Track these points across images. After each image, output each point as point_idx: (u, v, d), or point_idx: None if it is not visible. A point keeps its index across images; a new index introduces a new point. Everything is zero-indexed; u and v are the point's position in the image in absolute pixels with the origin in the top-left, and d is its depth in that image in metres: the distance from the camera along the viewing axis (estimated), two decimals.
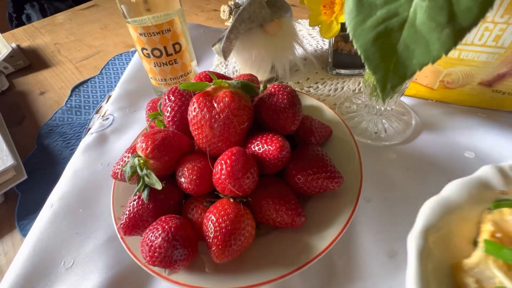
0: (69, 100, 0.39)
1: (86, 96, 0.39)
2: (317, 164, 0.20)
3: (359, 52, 0.10)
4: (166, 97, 0.22)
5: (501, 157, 0.24)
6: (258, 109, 0.21)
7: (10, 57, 0.47)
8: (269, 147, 0.19)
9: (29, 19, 0.90)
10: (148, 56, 0.29)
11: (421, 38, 0.09)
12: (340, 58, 0.34)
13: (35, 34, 0.60)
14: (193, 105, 0.19)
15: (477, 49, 0.25)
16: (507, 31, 0.23)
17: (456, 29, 0.09)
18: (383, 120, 0.28)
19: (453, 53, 0.26)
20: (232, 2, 0.29)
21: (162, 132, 0.20)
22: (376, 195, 0.23)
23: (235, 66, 0.37)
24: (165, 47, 0.29)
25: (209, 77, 0.25)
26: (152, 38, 0.28)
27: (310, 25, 0.29)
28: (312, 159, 0.20)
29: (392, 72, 0.10)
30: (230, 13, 0.29)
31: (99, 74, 0.43)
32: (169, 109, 0.22)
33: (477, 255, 0.16)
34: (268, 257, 0.18)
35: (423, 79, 0.29)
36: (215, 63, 0.40)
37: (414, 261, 0.15)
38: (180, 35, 0.29)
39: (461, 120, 0.27)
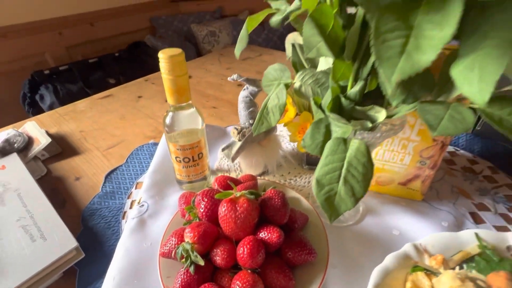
0: (104, 187, 0.49)
1: (117, 183, 0.50)
2: (300, 244, 0.32)
3: (320, 205, 0.23)
4: (200, 197, 0.34)
5: (415, 234, 0.38)
6: (262, 207, 0.34)
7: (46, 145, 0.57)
8: (272, 235, 0.31)
9: (42, 99, 1.02)
10: (179, 161, 0.42)
11: (343, 200, 0.23)
12: (311, 158, 0.48)
13: (60, 120, 0.71)
14: (223, 207, 0.31)
15: (392, 165, 0.40)
16: (406, 156, 0.39)
17: (355, 198, 0.22)
18: None
19: (381, 165, 0.41)
20: (238, 127, 0.44)
21: (202, 225, 0.32)
22: (340, 262, 0.35)
23: (237, 163, 0.50)
24: (192, 156, 0.42)
25: (226, 181, 0.37)
26: (185, 151, 0.41)
27: (290, 140, 0.44)
28: (297, 241, 0.32)
29: (334, 215, 0.23)
30: (239, 133, 0.43)
31: (125, 163, 0.54)
32: (203, 206, 0.34)
33: None
34: None
35: None
36: (219, 157, 0.53)
37: None
38: (203, 147, 0.43)
39: (390, 206, 0.41)
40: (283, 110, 0.31)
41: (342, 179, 0.23)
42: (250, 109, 0.43)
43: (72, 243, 0.36)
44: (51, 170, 0.54)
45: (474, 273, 0.28)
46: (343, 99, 0.27)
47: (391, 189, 0.43)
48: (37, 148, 0.56)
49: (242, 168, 0.47)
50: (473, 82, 0.18)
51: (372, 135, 0.28)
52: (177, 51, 0.35)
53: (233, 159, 0.43)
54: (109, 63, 1.19)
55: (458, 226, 0.38)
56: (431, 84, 0.24)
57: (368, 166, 0.22)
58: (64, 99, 0.99)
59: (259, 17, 0.28)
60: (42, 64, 1.27)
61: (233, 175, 0.49)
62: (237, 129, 0.44)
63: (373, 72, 0.23)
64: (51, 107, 0.98)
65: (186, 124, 0.40)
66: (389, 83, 0.14)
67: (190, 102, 0.39)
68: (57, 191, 0.49)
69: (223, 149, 0.47)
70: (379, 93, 0.23)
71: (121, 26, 1.53)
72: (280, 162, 0.49)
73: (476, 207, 0.41)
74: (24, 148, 0.56)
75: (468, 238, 0.32)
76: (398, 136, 0.37)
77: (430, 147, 0.37)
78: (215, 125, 0.62)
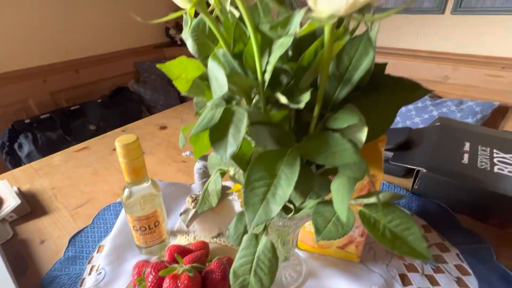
0: (66, 251, 0.51)
1: (80, 247, 0.52)
2: None
3: None
4: (149, 270, 0.38)
5: None
6: (204, 280, 0.37)
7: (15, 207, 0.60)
8: None
9: (20, 147, 1.05)
10: (136, 229, 0.46)
11: (253, 287, 0.27)
12: None
13: (34, 176, 0.74)
14: (166, 282, 0.35)
15: None
16: None
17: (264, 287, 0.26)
18: (285, 271, 0.45)
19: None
20: (194, 195, 0.48)
21: None
22: None
23: (193, 226, 0.54)
24: (149, 225, 0.45)
25: (176, 252, 0.41)
26: (141, 222, 0.45)
27: (241, 206, 0.49)
28: None
29: None
30: (193, 201, 0.48)
31: (91, 224, 0.57)
32: (150, 280, 0.37)
33: None
34: None
35: (308, 241, 0.48)
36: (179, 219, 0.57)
37: None
38: (159, 216, 0.47)
39: (330, 269, 0.45)
40: (219, 194, 0.36)
41: (252, 271, 0.27)
42: (203, 180, 0.48)
43: None
44: (17, 232, 0.56)
45: None
46: None
47: (332, 252, 0.47)
48: (5, 210, 0.58)
49: (197, 232, 0.51)
50: (338, 201, 0.24)
51: (291, 222, 0.33)
52: (132, 138, 0.40)
53: (187, 226, 0.47)
54: (91, 110, 1.24)
55: None
56: (328, 186, 0.29)
57: (273, 261, 0.27)
58: (42, 147, 1.02)
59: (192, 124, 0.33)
60: (25, 110, 1.31)
61: (191, 236, 0.52)
62: (192, 197, 0.48)
63: None
64: (28, 156, 1.01)
65: (141, 197, 0.44)
66: (248, 225, 0.19)
67: (146, 177, 0.44)
68: (20, 257, 0.51)
69: (180, 214, 0.50)
70: None
71: (106, 71, 1.61)
72: None
73: (406, 268, 0.46)
74: None
75: None
76: None
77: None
78: (180, 183, 0.66)
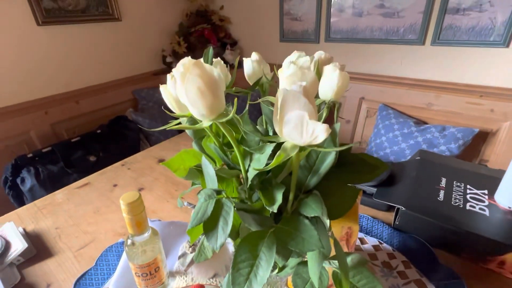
0: None
1: None
2: None
3: None
4: None
5: None
6: None
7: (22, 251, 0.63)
8: None
9: (23, 182, 1.08)
10: (138, 276, 0.50)
11: None
12: None
13: (38, 215, 0.78)
14: None
15: None
16: None
17: None
18: None
19: None
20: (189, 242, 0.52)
21: None
22: None
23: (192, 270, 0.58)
24: (150, 271, 0.49)
25: None
26: (143, 269, 0.49)
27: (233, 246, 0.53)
28: None
29: None
30: (190, 247, 0.52)
31: (94, 266, 0.61)
32: None
33: None
34: None
35: None
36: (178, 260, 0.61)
37: None
38: (159, 262, 0.51)
39: None
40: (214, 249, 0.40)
41: None
42: None
43: None
44: (24, 276, 0.60)
45: None
46: None
47: None
48: (13, 254, 0.61)
49: (195, 273, 0.55)
50: (312, 268, 0.28)
51: (276, 277, 0.37)
52: (134, 196, 0.45)
53: (185, 270, 0.51)
54: (90, 141, 1.29)
55: None
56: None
57: None
58: (44, 181, 1.06)
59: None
60: (26, 142, 1.35)
61: (188, 277, 0.56)
62: (188, 242, 0.53)
63: None
64: (31, 190, 1.04)
65: (143, 245, 0.48)
66: None
67: (147, 228, 0.48)
68: None
69: (179, 257, 0.55)
70: None
71: (105, 100, 1.67)
72: (229, 265, 0.57)
73: None
74: (1, 254, 0.62)
75: None
76: None
77: None
78: (179, 221, 0.71)
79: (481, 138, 1.23)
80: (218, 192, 0.28)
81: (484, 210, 0.60)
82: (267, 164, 0.27)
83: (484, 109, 1.21)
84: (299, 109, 0.19)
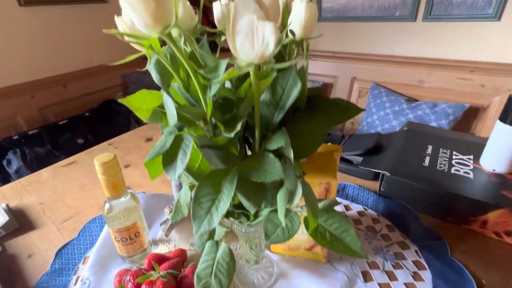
0: (53, 263, 0.54)
1: (66, 259, 0.55)
2: None
3: None
4: (129, 278, 0.41)
5: None
6: (180, 283, 0.41)
7: (4, 223, 0.62)
8: None
9: (9, 164, 1.07)
10: (117, 240, 0.49)
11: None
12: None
13: (22, 192, 0.77)
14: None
15: (296, 236, 0.48)
16: (304, 229, 0.47)
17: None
18: (257, 273, 0.49)
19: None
20: (171, 206, 0.52)
21: None
22: None
23: (174, 237, 0.57)
24: (129, 236, 0.49)
25: (155, 259, 0.44)
26: (122, 233, 0.48)
27: None
28: None
29: None
30: (171, 212, 0.51)
31: (77, 237, 0.60)
32: (129, 287, 0.40)
33: None
34: None
35: (279, 245, 0.51)
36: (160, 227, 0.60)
37: None
38: (139, 227, 0.50)
39: (299, 270, 0.49)
40: (189, 206, 0.39)
41: (213, 274, 0.31)
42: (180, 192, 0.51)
43: None
44: (6, 248, 0.59)
45: None
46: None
47: (301, 253, 0.51)
48: None
49: (176, 240, 0.54)
50: (279, 209, 0.28)
51: (251, 228, 0.36)
52: (109, 157, 0.44)
53: (166, 235, 0.51)
54: (79, 124, 1.27)
55: (350, 286, 0.46)
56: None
57: (231, 264, 0.31)
58: (31, 163, 1.04)
59: None
60: (13, 126, 1.33)
61: (171, 244, 0.56)
62: (170, 208, 0.52)
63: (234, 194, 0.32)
64: (17, 172, 1.03)
65: (121, 210, 0.47)
66: (196, 235, 0.23)
67: (125, 192, 0.47)
68: (9, 271, 0.54)
69: (161, 224, 0.54)
70: None
71: (93, 85, 1.64)
72: None
73: (369, 265, 0.50)
74: None
75: None
76: None
77: None
78: (163, 194, 0.70)
79: (472, 113, 1.23)
80: (180, 128, 0.27)
81: (468, 173, 0.60)
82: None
83: (475, 84, 1.20)
84: (250, 14, 0.18)
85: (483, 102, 1.22)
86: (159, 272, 0.40)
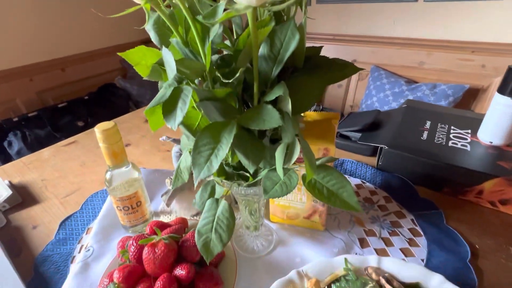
0: (57, 234, 0.55)
1: (70, 229, 0.56)
2: (209, 277, 0.40)
3: (199, 249, 0.32)
4: (132, 243, 0.42)
5: (311, 260, 0.46)
6: (180, 248, 0.42)
7: (7, 197, 0.63)
8: (183, 272, 0.39)
9: (10, 145, 1.07)
10: (119, 209, 0.50)
11: (215, 244, 0.31)
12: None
13: (24, 170, 0.77)
14: (145, 250, 0.39)
15: (295, 203, 0.49)
16: (303, 196, 0.48)
17: (223, 243, 0.31)
18: (257, 240, 0.50)
19: (288, 204, 0.50)
20: (172, 177, 0.52)
21: (128, 267, 0.39)
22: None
23: (175, 208, 0.58)
24: (131, 205, 0.50)
25: (157, 225, 0.45)
26: (123, 202, 0.49)
27: None
28: (207, 274, 0.40)
29: (209, 256, 0.31)
30: (171, 183, 0.52)
31: (80, 209, 0.61)
32: (132, 250, 0.41)
33: None
34: None
35: (278, 214, 0.53)
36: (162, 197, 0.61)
37: None
38: (141, 197, 0.51)
39: (297, 237, 0.50)
40: (190, 170, 0.40)
41: (213, 229, 0.32)
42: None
43: (20, 286, 0.42)
44: (10, 220, 0.60)
45: None
46: (226, 167, 0.36)
47: (299, 222, 0.52)
48: None
49: (177, 211, 0.55)
50: (277, 163, 0.28)
51: (249, 190, 0.37)
52: (110, 124, 0.44)
53: (167, 205, 0.52)
54: (78, 107, 1.26)
55: (347, 251, 0.48)
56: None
57: (230, 220, 0.31)
58: (32, 144, 1.05)
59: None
60: (12, 109, 1.33)
61: (173, 216, 0.57)
62: (171, 178, 0.53)
63: (233, 153, 0.33)
64: (18, 153, 1.03)
65: (123, 179, 0.48)
66: (196, 180, 0.24)
67: (126, 161, 0.48)
68: (14, 241, 0.55)
69: (162, 195, 0.55)
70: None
71: (92, 69, 1.63)
72: None
73: (366, 233, 0.51)
74: None
75: (340, 262, 0.41)
76: None
77: None
78: (165, 169, 0.71)
79: (472, 95, 1.23)
80: (179, 81, 0.27)
81: (466, 146, 0.60)
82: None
83: (475, 65, 1.19)
84: None
85: (483, 83, 1.21)
86: (161, 236, 0.41)
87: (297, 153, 0.31)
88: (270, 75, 0.28)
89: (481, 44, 1.21)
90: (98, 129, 0.43)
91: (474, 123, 0.67)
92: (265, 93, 0.28)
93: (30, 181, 0.72)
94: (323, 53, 0.33)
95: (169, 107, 0.24)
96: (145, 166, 0.75)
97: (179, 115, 0.23)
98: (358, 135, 0.71)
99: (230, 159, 0.34)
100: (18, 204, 0.64)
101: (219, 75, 0.24)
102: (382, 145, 0.63)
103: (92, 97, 1.36)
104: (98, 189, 0.67)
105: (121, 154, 0.46)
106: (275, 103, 0.28)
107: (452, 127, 0.67)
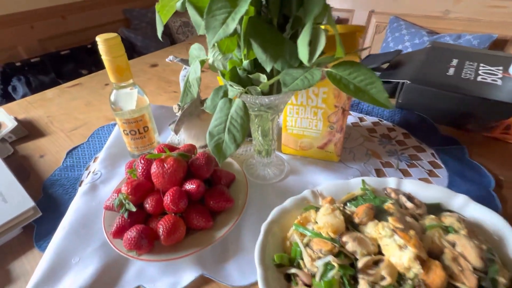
0: (65, 161, 0.54)
1: (77, 158, 0.55)
2: (220, 194, 0.38)
3: (211, 151, 0.29)
4: (139, 160, 0.40)
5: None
6: (190, 166, 0.40)
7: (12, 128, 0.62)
8: (193, 186, 0.37)
9: (15, 90, 1.05)
10: (127, 134, 0.48)
11: (228, 145, 0.29)
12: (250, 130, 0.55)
13: (29, 108, 0.76)
14: (154, 165, 0.38)
15: (310, 131, 0.47)
16: (318, 122, 0.45)
17: (237, 144, 0.29)
18: (268, 169, 0.48)
19: (301, 132, 0.48)
20: (179, 103, 0.50)
21: (136, 181, 0.38)
22: (257, 211, 0.42)
23: (183, 137, 0.56)
24: (138, 129, 0.48)
25: (166, 146, 0.43)
26: (130, 125, 0.47)
27: None
28: (218, 192, 0.39)
29: (221, 158, 0.29)
30: (179, 109, 0.49)
31: (87, 141, 0.60)
32: (140, 167, 0.40)
33: (291, 230, 0.34)
34: (191, 243, 0.36)
35: (291, 144, 0.50)
36: (171, 134, 0.59)
37: (261, 236, 0.33)
38: (148, 122, 0.49)
39: (310, 167, 0.48)
40: (199, 82, 0.37)
41: (226, 129, 0.29)
42: None
43: (30, 203, 0.42)
44: (17, 150, 0.59)
45: (348, 206, 0.35)
46: (239, 70, 0.33)
47: (313, 153, 0.50)
48: (4, 131, 0.60)
49: (185, 140, 0.53)
50: (301, 44, 0.25)
51: (264, 100, 0.34)
52: (112, 35, 0.41)
53: (175, 132, 0.49)
54: (82, 55, 1.22)
55: None
56: (297, 54, 0.30)
57: (245, 118, 0.29)
58: (36, 89, 1.02)
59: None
60: (14, 57, 1.29)
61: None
62: (179, 105, 0.50)
63: (249, 46, 0.29)
64: (23, 97, 1.01)
65: (129, 101, 0.46)
66: (209, 44, 0.21)
67: (132, 81, 0.45)
68: (22, 167, 0.54)
69: (169, 125, 0.53)
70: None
71: (94, 18, 1.55)
72: None
73: (382, 165, 0.49)
74: None
75: (356, 184, 0.39)
76: (309, 105, 0.44)
77: (333, 112, 0.43)
78: (170, 106, 0.68)
79: (500, 46, 1.14)
80: None
81: (496, 81, 0.55)
82: None
83: (507, 12, 1.09)
84: None
85: None
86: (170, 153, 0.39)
87: (322, 44, 0.27)
88: None
89: None
90: (100, 39, 0.40)
91: (506, 61, 0.62)
92: None
93: (35, 117, 0.71)
94: (336, 3, 0.29)
95: None
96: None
97: None
98: (377, 73, 0.66)
99: (244, 56, 0.31)
100: (25, 137, 0.63)
101: None
102: (404, 80, 0.58)
103: (96, 46, 1.31)
104: (104, 123, 0.65)
105: (125, 69, 0.43)
106: None
107: (481, 64, 0.61)
